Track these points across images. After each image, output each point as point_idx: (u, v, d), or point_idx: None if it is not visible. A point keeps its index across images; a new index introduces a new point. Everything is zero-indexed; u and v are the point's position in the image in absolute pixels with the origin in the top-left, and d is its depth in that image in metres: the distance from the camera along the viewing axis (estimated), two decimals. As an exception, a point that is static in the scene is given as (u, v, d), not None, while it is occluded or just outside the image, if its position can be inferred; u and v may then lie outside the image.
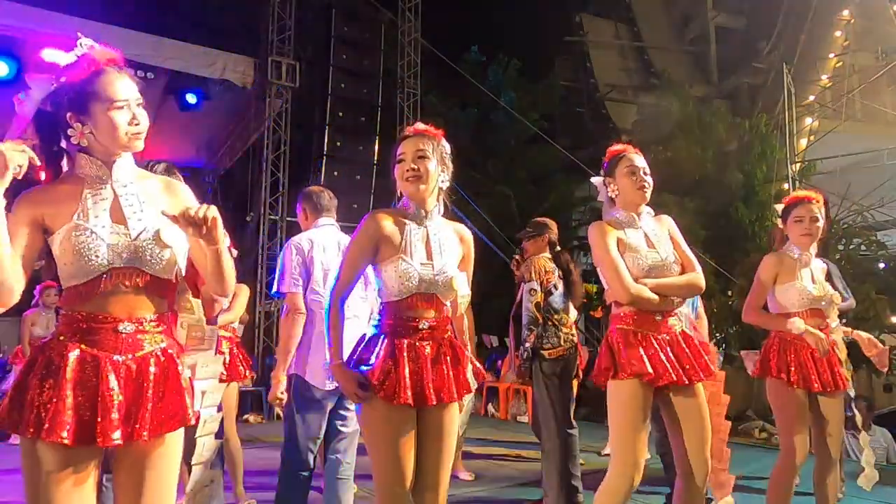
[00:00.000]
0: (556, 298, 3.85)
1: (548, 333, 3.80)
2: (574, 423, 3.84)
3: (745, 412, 8.77)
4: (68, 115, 1.57)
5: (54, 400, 1.45)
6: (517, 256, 4.23)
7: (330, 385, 2.86)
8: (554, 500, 3.69)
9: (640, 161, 2.49)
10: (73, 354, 1.50)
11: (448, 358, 2.08)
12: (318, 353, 2.89)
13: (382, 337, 2.05)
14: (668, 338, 2.40)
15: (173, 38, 9.00)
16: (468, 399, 2.34)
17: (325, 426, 2.98)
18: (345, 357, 2.07)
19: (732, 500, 3.30)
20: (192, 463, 2.07)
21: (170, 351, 1.62)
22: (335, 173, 10.10)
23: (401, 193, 2.15)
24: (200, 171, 12.52)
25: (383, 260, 2.07)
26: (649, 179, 2.48)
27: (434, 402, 2.01)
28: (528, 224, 4.11)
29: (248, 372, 3.82)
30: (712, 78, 16.54)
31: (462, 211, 8.91)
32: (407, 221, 2.10)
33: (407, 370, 1.99)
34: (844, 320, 3.63)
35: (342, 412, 3.01)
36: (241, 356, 3.80)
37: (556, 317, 3.82)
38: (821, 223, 2.91)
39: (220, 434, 2.22)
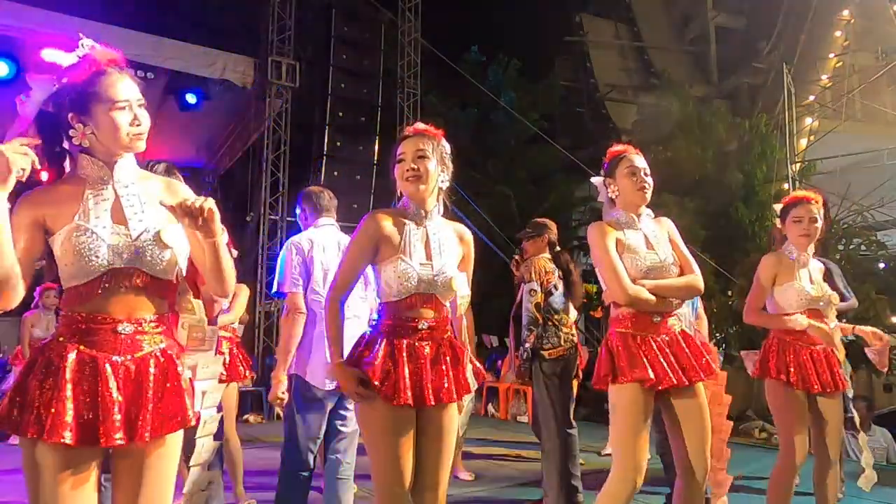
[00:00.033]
0: (557, 299, 3.85)
1: (548, 334, 3.80)
2: (574, 423, 3.84)
3: (745, 412, 8.78)
4: (70, 115, 1.57)
5: (54, 401, 1.45)
6: (517, 257, 4.24)
7: (330, 385, 2.86)
8: (554, 500, 3.69)
9: (640, 162, 2.49)
10: (72, 355, 1.50)
11: (447, 358, 2.07)
12: (318, 354, 2.89)
13: (382, 337, 2.05)
14: (667, 339, 2.40)
15: (173, 38, 9.00)
16: (468, 399, 2.34)
17: (325, 426, 2.99)
18: (344, 357, 2.07)
19: (727, 500, 3.31)
20: (191, 464, 2.06)
21: (169, 352, 1.62)
22: (335, 173, 10.10)
23: (401, 193, 2.15)
24: (200, 171, 12.51)
25: (383, 260, 2.07)
26: (650, 180, 2.47)
27: (433, 403, 2.01)
28: (528, 225, 4.11)
29: (247, 372, 3.83)
30: (712, 78, 16.53)
31: (462, 211, 8.90)
32: (406, 221, 2.10)
33: (406, 371, 1.99)
34: (845, 319, 3.63)
35: (342, 412, 3.01)
36: (240, 356, 3.80)
37: (556, 317, 3.82)
38: (819, 224, 2.90)
39: (218, 435, 2.21)
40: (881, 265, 9.77)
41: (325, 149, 10.13)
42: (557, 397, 3.77)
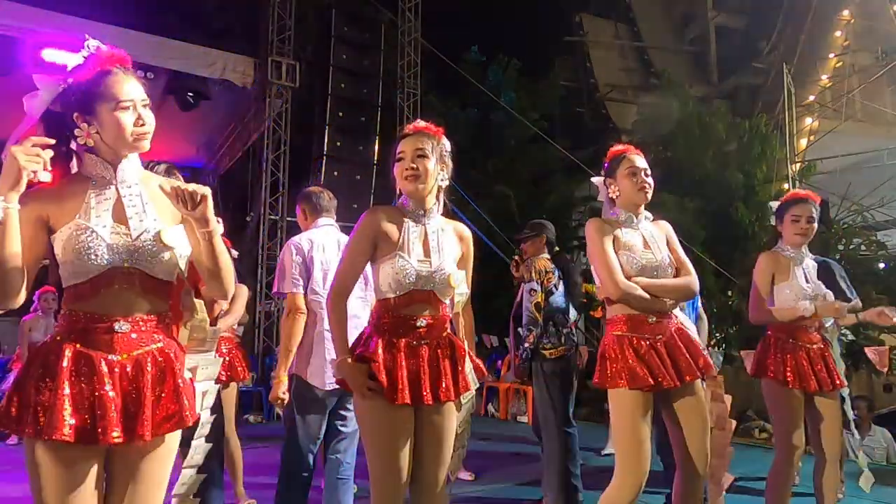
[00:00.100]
0: (557, 298, 3.85)
1: (548, 333, 3.80)
2: (574, 423, 3.84)
3: (746, 412, 8.77)
4: (75, 115, 1.58)
5: (51, 399, 1.45)
6: (516, 258, 4.24)
7: (330, 385, 2.86)
8: (554, 500, 3.69)
9: (641, 162, 2.49)
10: (69, 354, 1.50)
11: (446, 356, 2.07)
12: (318, 354, 2.90)
13: (380, 335, 2.05)
14: (662, 338, 2.39)
15: (173, 38, 9.01)
16: (468, 397, 2.33)
17: (326, 426, 2.99)
18: None
19: (723, 501, 3.31)
20: (183, 466, 2.05)
21: (167, 351, 1.62)
22: (335, 173, 10.10)
23: (400, 191, 2.15)
24: (200, 171, 12.51)
25: (381, 257, 2.07)
26: (650, 180, 2.48)
27: (431, 402, 2.01)
28: (526, 226, 4.12)
29: (246, 372, 3.82)
30: (712, 78, 16.54)
31: (462, 211, 8.91)
32: (405, 219, 2.11)
33: (404, 369, 1.99)
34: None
35: (342, 412, 3.01)
36: (239, 356, 3.80)
37: (556, 317, 3.82)
38: (816, 225, 2.91)
39: (210, 438, 2.20)
40: (881, 265, 9.76)
41: (325, 149, 10.13)
42: (558, 397, 3.77)
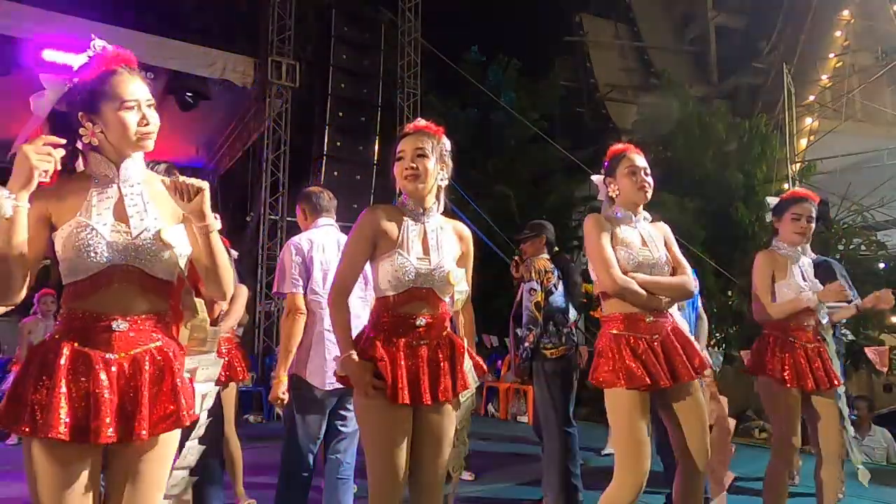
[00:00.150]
0: (557, 298, 3.85)
1: (549, 333, 3.80)
2: (574, 422, 3.84)
3: (745, 412, 8.77)
4: (80, 114, 1.59)
5: (48, 398, 1.46)
6: (516, 258, 4.24)
7: (330, 385, 2.85)
8: (554, 500, 3.69)
9: (641, 161, 2.49)
10: (67, 352, 1.51)
11: (446, 355, 2.07)
12: (318, 354, 2.89)
13: (379, 334, 2.05)
14: (658, 337, 2.39)
15: (173, 38, 9.01)
16: (467, 395, 2.33)
17: (325, 426, 2.98)
18: None
19: (725, 498, 3.31)
20: (175, 467, 2.05)
21: (166, 350, 1.62)
22: (335, 173, 10.10)
23: (400, 190, 2.15)
24: (200, 171, 12.49)
25: (380, 254, 2.07)
26: (650, 180, 2.48)
27: (430, 401, 2.01)
28: (526, 226, 4.12)
29: (245, 372, 3.82)
30: (712, 78, 16.56)
31: (462, 211, 8.91)
32: (404, 217, 2.11)
33: (403, 368, 1.99)
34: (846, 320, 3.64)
35: (342, 412, 3.01)
36: (239, 357, 3.79)
37: (556, 317, 3.82)
38: (814, 224, 2.92)
39: (204, 440, 2.19)
40: (881, 265, 9.77)
41: (325, 149, 10.13)
42: (558, 397, 3.77)
